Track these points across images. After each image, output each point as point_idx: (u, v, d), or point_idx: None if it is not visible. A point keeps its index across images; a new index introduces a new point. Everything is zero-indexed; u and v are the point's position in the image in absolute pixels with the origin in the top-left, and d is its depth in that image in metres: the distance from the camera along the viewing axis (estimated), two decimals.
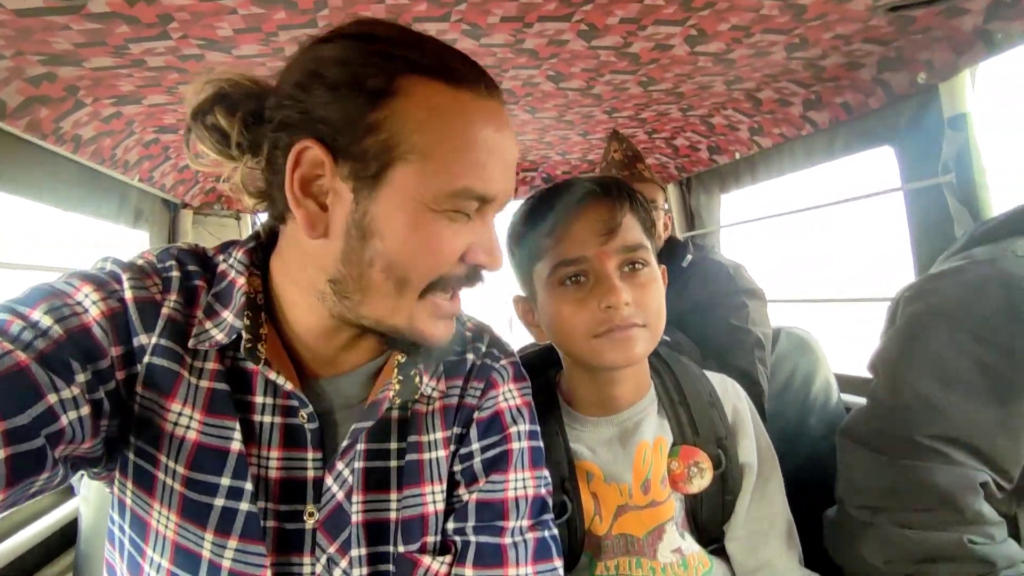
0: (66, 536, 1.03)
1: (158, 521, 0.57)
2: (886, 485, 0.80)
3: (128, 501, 0.59)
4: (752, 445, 0.88)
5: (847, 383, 1.34)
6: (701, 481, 0.84)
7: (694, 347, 1.24)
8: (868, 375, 0.90)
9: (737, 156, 1.64)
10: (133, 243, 1.52)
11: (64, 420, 0.49)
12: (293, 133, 0.54)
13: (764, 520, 0.86)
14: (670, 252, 1.49)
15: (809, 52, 1.06)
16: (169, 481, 0.57)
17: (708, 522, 0.86)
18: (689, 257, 1.44)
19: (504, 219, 0.93)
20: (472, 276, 0.60)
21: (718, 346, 1.27)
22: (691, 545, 0.85)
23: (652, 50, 1.04)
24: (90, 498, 0.94)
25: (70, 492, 1.12)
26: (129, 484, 0.58)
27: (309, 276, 0.58)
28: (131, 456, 0.58)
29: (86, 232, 1.31)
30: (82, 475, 0.61)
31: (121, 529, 0.60)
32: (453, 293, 0.60)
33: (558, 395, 0.92)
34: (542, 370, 0.96)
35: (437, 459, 0.65)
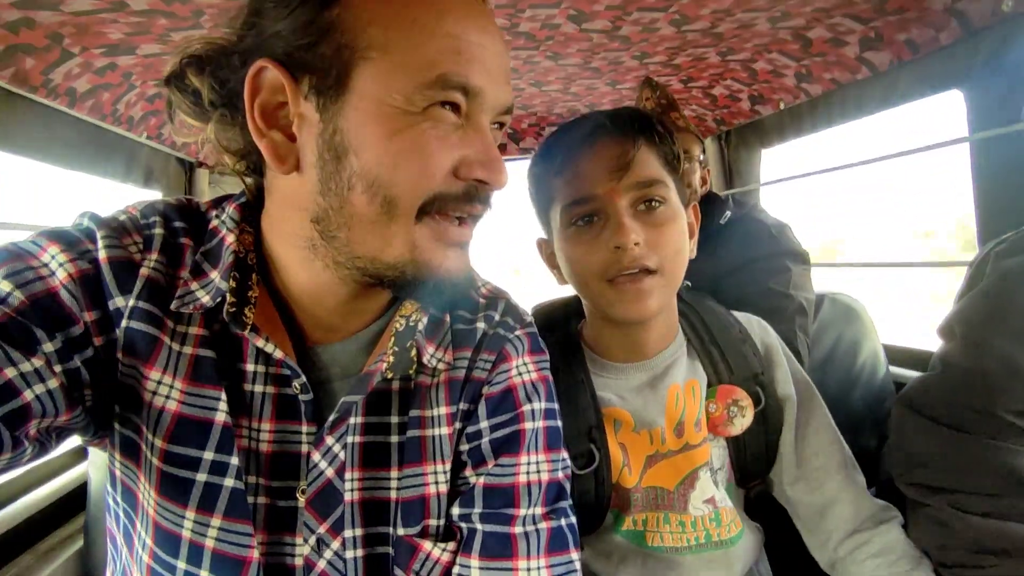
0: (77, 499, 1.04)
1: (143, 496, 0.55)
2: (951, 463, 0.71)
3: (118, 472, 0.56)
4: (787, 376, 0.84)
5: (898, 355, 1.23)
6: (743, 420, 0.80)
7: None
8: (923, 348, 0.80)
9: (782, 106, 1.50)
10: None
11: (27, 395, 0.45)
12: (249, 60, 0.49)
13: (820, 455, 0.82)
14: (707, 209, 1.38)
15: None
16: (149, 455, 0.54)
17: (752, 464, 0.83)
18: (728, 214, 1.33)
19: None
20: (473, 195, 0.52)
21: (756, 311, 1.18)
22: (725, 498, 0.82)
23: None
24: (97, 462, 0.93)
25: (83, 454, 1.12)
26: (117, 455, 0.56)
27: (293, 225, 0.54)
28: (116, 426, 0.55)
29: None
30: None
31: (115, 500, 0.58)
32: (462, 220, 0.54)
33: (582, 344, 0.88)
34: (564, 321, 0.93)
35: (440, 436, 0.60)
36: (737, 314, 0.89)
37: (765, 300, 1.19)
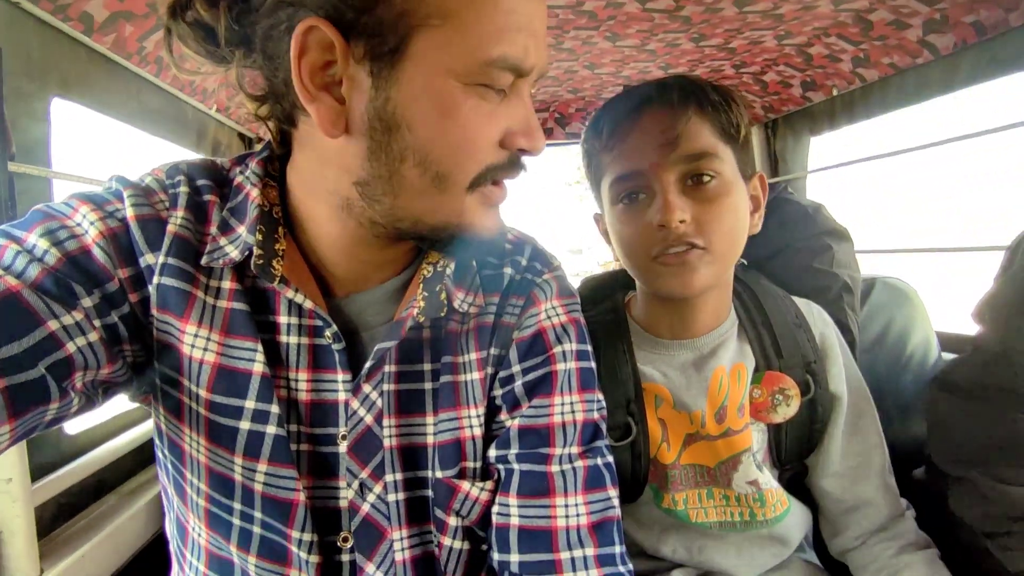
0: None
1: (190, 446, 0.57)
2: (986, 438, 0.74)
3: (163, 426, 0.58)
4: (842, 373, 0.82)
5: (951, 341, 1.22)
6: (787, 409, 0.78)
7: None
8: (975, 334, 0.81)
9: (834, 92, 1.50)
10: None
11: (70, 347, 0.47)
12: (293, 13, 0.47)
13: (861, 455, 0.81)
14: None
15: None
16: (194, 405, 0.56)
17: (790, 453, 0.81)
18: None
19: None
20: (516, 163, 0.56)
21: (801, 292, 1.18)
22: (769, 480, 0.80)
23: None
24: None
25: None
26: (161, 409, 0.58)
27: (330, 182, 0.54)
28: (158, 381, 0.57)
29: None
30: None
31: (163, 454, 0.60)
32: (498, 181, 0.56)
33: (628, 316, 0.87)
34: (610, 293, 0.92)
35: (472, 381, 0.62)
36: (797, 300, 0.87)
37: (809, 280, 1.18)
